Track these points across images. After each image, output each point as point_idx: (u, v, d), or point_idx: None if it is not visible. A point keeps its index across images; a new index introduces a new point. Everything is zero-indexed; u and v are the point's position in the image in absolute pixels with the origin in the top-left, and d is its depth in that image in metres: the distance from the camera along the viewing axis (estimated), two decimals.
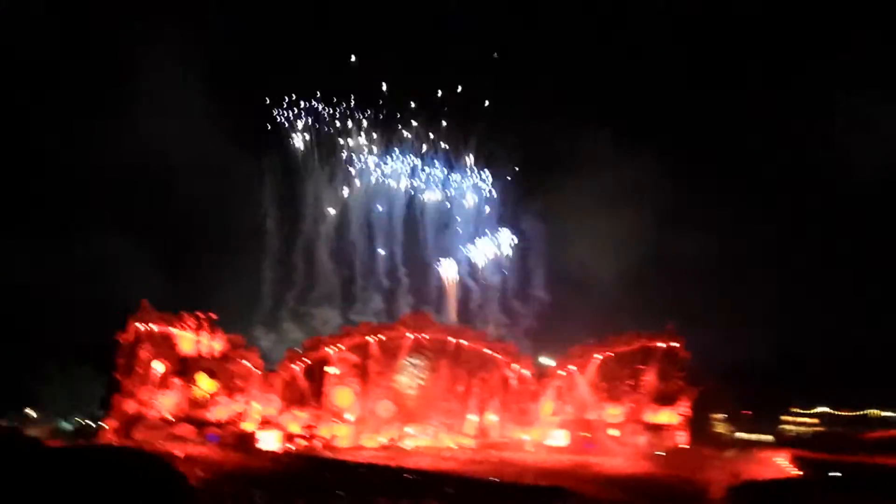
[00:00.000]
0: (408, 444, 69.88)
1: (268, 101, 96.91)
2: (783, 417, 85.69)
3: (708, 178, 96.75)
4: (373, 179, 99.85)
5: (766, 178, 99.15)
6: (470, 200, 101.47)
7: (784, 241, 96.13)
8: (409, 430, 71.10)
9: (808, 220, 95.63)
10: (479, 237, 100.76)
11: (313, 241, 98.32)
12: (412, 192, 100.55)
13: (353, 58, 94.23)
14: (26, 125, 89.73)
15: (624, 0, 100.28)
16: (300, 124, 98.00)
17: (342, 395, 71.97)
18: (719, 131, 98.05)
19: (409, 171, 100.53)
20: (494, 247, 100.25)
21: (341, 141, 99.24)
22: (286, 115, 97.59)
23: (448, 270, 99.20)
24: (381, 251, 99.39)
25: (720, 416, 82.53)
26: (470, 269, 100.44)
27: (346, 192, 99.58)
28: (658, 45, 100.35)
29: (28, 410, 73.68)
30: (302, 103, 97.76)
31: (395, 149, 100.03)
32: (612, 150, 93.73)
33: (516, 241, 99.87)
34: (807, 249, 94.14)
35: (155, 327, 68.70)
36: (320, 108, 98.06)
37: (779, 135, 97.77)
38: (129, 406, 65.59)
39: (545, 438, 72.37)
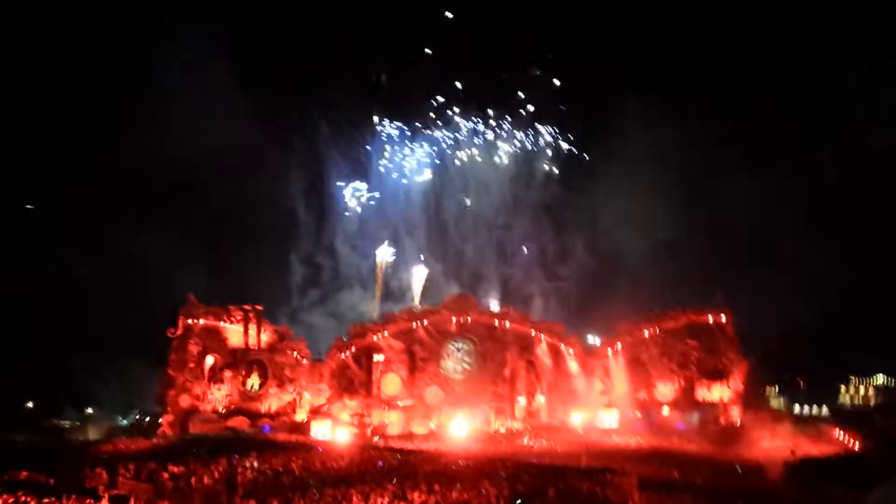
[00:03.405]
0: (458, 429, 70.01)
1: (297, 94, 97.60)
2: (840, 388, 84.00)
3: (753, 144, 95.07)
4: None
5: (817, 143, 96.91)
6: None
7: (835, 207, 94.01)
8: (458, 415, 71.19)
9: (863, 186, 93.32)
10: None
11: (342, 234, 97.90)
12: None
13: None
14: (69, 126, 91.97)
15: None
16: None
17: (390, 383, 72.33)
18: (760, 101, 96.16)
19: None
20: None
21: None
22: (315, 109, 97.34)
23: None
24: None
25: (774, 389, 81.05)
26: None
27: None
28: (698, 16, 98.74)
29: (88, 409, 75.66)
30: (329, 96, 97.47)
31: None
32: (647, 120, 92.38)
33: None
34: (856, 212, 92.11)
35: (203, 321, 69.61)
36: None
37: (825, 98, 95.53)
38: (184, 400, 66.78)
39: (595, 419, 71.76)
